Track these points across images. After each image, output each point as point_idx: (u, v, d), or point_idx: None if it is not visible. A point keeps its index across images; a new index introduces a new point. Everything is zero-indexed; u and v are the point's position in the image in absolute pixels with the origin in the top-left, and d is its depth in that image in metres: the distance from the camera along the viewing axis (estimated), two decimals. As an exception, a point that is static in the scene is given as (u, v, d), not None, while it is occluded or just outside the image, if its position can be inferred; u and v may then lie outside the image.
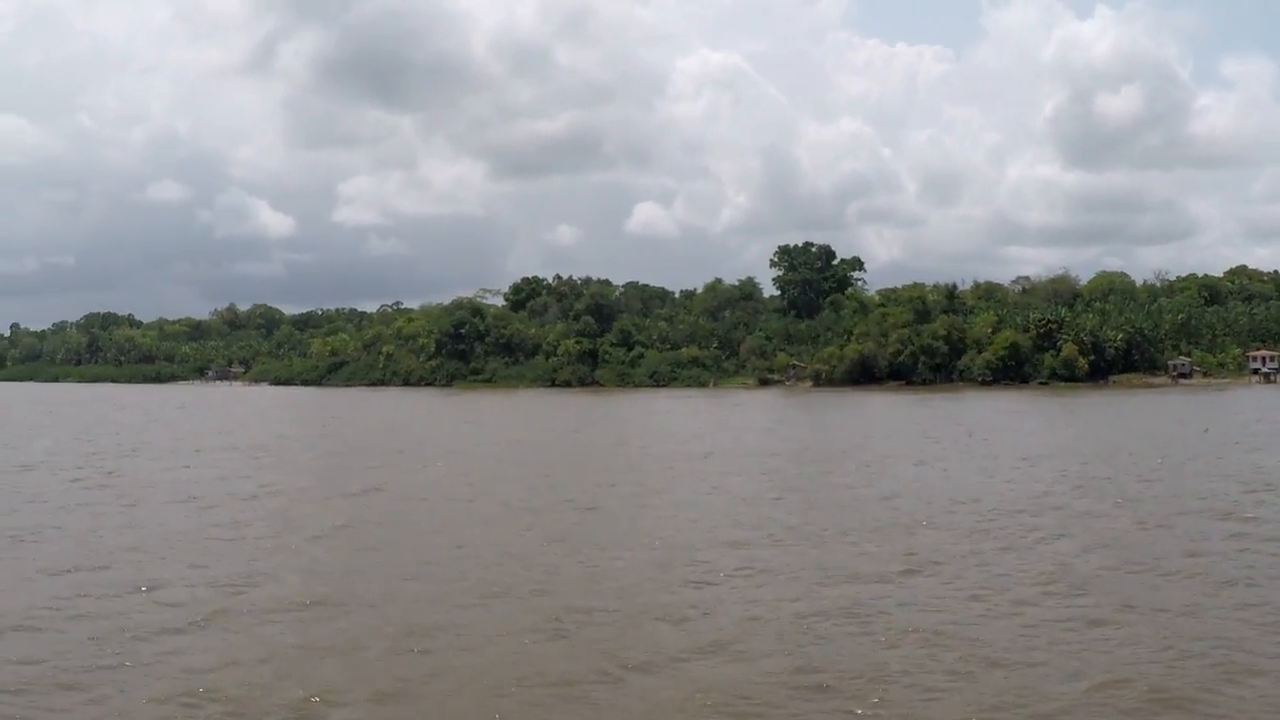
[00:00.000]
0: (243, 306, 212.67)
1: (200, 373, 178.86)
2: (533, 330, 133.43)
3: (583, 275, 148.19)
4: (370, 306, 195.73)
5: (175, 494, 28.20)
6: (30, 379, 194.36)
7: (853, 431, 48.89)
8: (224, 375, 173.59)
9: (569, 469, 34.99)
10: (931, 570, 17.48)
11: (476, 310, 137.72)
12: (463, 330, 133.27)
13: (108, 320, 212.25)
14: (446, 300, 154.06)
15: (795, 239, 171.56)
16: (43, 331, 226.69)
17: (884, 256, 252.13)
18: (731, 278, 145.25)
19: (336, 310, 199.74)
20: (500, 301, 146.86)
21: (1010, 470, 31.66)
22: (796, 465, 34.71)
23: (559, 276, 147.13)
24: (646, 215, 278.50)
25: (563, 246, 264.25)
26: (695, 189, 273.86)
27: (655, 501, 26.13)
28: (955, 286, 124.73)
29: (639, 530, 22.03)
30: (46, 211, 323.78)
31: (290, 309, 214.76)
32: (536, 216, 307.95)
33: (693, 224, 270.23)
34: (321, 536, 21.63)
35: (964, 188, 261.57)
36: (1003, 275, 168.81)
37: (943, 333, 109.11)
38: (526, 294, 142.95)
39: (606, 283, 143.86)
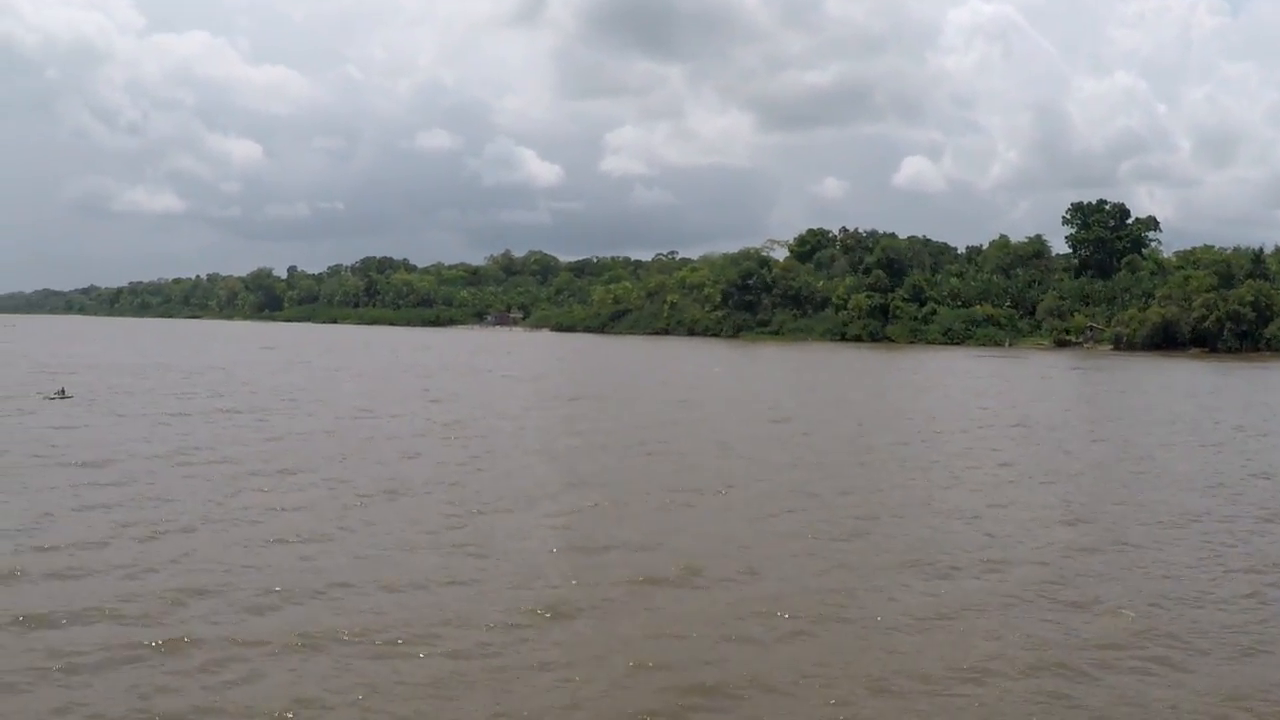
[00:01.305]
0: (515, 253, 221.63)
1: (479, 317, 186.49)
2: (820, 283, 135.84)
3: (856, 228, 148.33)
4: (638, 255, 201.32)
5: (535, 448, 26.27)
6: (307, 320, 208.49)
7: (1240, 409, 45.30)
8: (502, 320, 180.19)
9: (951, 433, 33.32)
10: None
11: (763, 261, 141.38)
12: (750, 281, 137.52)
13: (384, 264, 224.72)
14: (719, 251, 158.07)
15: (1066, 197, 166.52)
16: (319, 274, 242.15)
17: (1156, 217, 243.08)
18: (1000, 234, 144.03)
19: (612, 258, 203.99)
20: (783, 253, 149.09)
21: None
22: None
23: (844, 229, 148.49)
24: (915, 169, 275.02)
25: (829, 199, 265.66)
26: (964, 143, 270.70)
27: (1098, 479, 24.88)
28: (1261, 250, 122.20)
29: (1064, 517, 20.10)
30: (317, 159, 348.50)
31: (558, 256, 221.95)
32: (803, 169, 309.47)
33: (961, 179, 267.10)
34: (762, 518, 19.15)
35: (1240, 148, 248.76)
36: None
37: (1249, 298, 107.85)
38: (812, 246, 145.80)
39: (893, 236, 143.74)
